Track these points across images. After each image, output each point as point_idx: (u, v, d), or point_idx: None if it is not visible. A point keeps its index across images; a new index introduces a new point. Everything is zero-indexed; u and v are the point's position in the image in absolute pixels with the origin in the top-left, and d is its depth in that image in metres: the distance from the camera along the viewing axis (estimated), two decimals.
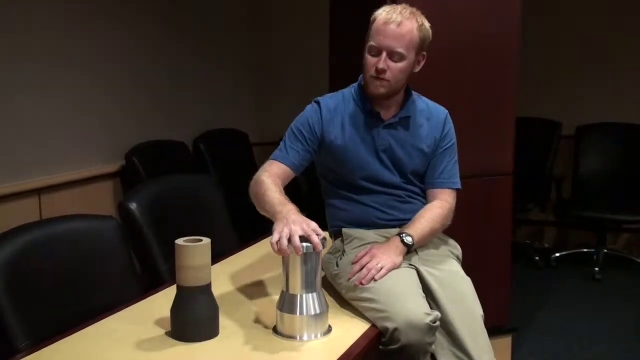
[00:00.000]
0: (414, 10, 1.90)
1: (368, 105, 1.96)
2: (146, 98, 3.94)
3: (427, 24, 1.92)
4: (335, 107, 1.97)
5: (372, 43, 1.88)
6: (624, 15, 4.52)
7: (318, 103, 1.99)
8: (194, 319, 1.57)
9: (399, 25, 1.84)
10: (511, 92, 2.81)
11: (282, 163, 1.92)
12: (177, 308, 1.59)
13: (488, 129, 2.80)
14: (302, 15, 4.81)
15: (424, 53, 1.94)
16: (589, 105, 4.63)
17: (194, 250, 1.55)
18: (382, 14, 1.88)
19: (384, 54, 1.86)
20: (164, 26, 4.08)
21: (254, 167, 4.68)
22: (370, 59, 1.89)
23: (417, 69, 1.95)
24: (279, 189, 1.80)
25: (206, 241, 1.57)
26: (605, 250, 4.39)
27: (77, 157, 3.45)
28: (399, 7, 1.89)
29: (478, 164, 2.76)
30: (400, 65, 1.87)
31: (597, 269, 4.25)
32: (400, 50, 1.85)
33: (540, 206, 4.56)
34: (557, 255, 4.53)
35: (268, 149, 4.76)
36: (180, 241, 1.56)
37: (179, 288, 1.58)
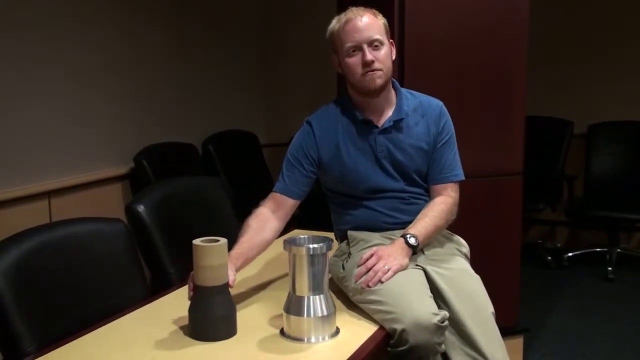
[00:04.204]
0: (362, 7, 1.94)
1: (360, 114, 1.94)
2: (155, 100, 3.95)
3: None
4: (327, 124, 1.96)
5: (348, 44, 1.88)
6: (636, 14, 4.48)
7: (309, 123, 1.97)
8: (213, 318, 1.58)
9: (362, 17, 1.88)
10: (521, 91, 2.79)
11: (282, 194, 1.94)
12: (196, 307, 1.60)
13: (497, 129, 2.78)
14: (309, 14, 4.80)
15: (391, 40, 1.96)
16: (601, 104, 4.59)
17: (212, 250, 1.56)
18: (340, 20, 1.91)
19: (365, 47, 1.86)
20: (172, 29, 4.09)
21: (264, 169, 4.70)
22: (353, 60, 1.88)
23: (393, 57, 1.95)
24: (251, 236, 1.85)
25: (223, 241, 1.58)
26: (618, 250, 4.36)
27: (87, 159, 3.46)
28: (349, 9, 1.92)
29: (487, 163, 2.75)
30: (383, 51, 1.89)
31: (609, 268, 4.21)
32: (378, 36, 1.88)
33: (552, 206, 4.53)
34: (569, 254, 4.50)
35: (277, 150, 4.82)
36: (197, 241, 1.57)
37: (196, 287, 1.59)
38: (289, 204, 1.93)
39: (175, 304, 1.86)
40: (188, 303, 1.71)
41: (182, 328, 1.67)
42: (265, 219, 1.90)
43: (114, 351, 1.56)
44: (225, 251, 1.59)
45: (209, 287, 1.56)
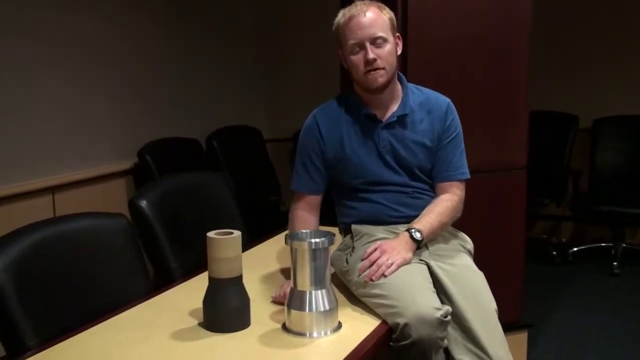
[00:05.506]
0: (368, 1, 1.93)
1: (364, 108, 1.94)
2: (158, 95, 3.94)
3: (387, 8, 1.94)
4: (332, 118, 1.96)
5: (351, 41, 1.87)
6: None
7: (315, 117, 1.98)
8: (229, 310, 1.59)
9: (365, 13, 1.87)
10: (523, 85, 2.77)
11: (302, 192, 2.00)
12: (211, 300, 1.61)
13: (501, 123, 2.77)
14: (310, 10, 4.79)
15: (398, 34, 1.95)
16: (606, 98, 4.56)
17: (226, 242, 1.57)
18: (345, 15, 1.90)
19: (368, 45, 1.85)
20: (175, 24, 4.09)
21: (267, 164, 4.70)
22: (356, 58, 1.88)
23: (399, 52, 1.94)
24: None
25: (237, 233, 1.59)
26: (623, 245, 4.34)
27: (90, 155, 3.46)
28: (354, 4, 1.91)
29: (491, 158, 2.74)
30: (387, 48, 1.87)
31: (615, 263, 4.20)
32: (381, 33, 1.86)
33: (557, 200, 4.51)
34: (574, 249, 4.48)
35: (281, 145, 4.82)
36: (211, 234, 1.58)
37: (211, 280, 1.60)
38: (315, 199, 1.99)
39: (179, 298, 1.87)
40: (192, 297, 1.71)
41: (184, 321, 1.67)
42: (305, 218, 1.97)
43: (115, 345, 1.56)
44: (239, 243, 1.60)
45: (224, 279, 1.57)
